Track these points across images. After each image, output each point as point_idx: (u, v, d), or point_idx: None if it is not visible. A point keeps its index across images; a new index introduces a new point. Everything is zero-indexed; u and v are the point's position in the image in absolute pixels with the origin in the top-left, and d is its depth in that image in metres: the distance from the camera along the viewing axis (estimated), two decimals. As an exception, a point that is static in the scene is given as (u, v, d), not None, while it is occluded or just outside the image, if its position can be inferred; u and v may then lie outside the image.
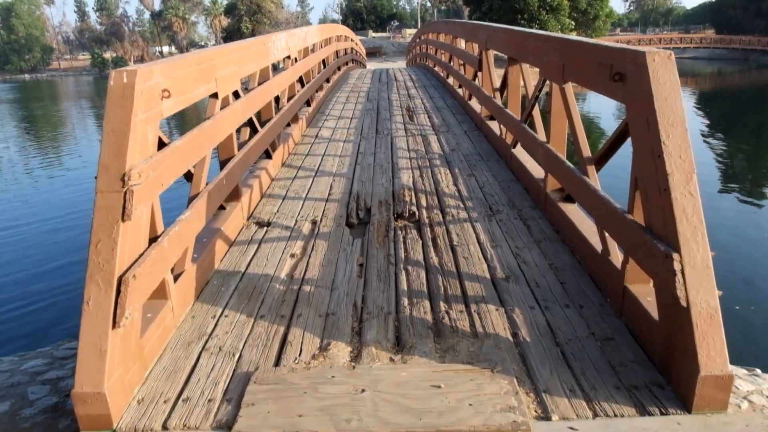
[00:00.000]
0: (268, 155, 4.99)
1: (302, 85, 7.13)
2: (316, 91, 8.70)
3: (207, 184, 3.30)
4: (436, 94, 9.83)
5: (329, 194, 4.57)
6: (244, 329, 2.68)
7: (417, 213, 4.07)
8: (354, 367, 2.33)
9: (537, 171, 4.35)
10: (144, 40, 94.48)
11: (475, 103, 7.48)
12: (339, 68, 12.63)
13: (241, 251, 3.53)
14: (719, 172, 12.74)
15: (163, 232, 2.59)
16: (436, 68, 12.28)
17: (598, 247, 2.97)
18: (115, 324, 2.09)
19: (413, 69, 15.63)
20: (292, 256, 3.46)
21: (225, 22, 66.23)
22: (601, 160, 3.11)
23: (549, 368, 2.30)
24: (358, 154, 5.75)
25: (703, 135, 16.72)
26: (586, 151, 3.21)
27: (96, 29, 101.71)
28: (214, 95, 3.48)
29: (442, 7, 74.59)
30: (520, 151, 4.95)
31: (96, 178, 2.26)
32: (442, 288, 3.00)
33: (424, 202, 4.30)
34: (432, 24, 14.67)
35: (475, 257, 3.34)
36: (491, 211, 4.05)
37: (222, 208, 3.75)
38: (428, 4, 79.01)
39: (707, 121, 20.35)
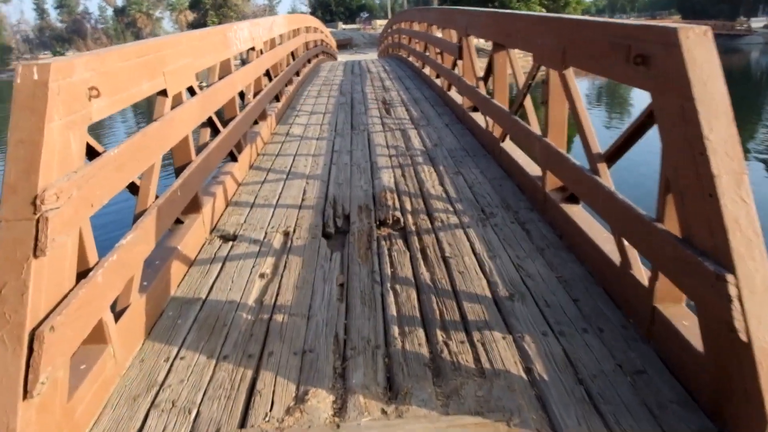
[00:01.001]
0: (233, 158, 4.50)
1: (270, 79, 6.62)
2: (286, 85, 8.19)
3: (157, 197, 2.81)
4: (412, 85, 9.39)
5: (303, 199, 4.10)
6: (203, 375, 2.21)
7: (402, 219, 3.63)
8: (338, 426, 1.89)
9: (532, 167, 3.95)
10: (108, 38, 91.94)
11: (455, 94, 7.06)
12: (309, 60, 12.09)
13: (202, 272, 3.06)
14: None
15: (97, 263, 2.11)
16: (411, 58, 11.83)
17: (615, 257, 2.58)
18: (26, 393, 1.61)
19: (386, 60, 15.15)
20: (262, 276, 3.00)
21: (191, 16, 64.69)
22: (613, 156, 2.70)
23: (575, 415, 1.90)
24: (333, 153, 5.28)
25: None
26: (596, 146, 2.81)
27: (57, 27, 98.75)
28: (163, 92, 2.99)
29: (412, -2, 73.97)
30: (509, 145, 4.55)
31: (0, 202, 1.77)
32: (438, 311, 2.58)
33: (408, 206, 3.86)
34: (405, 12, 14.20)
35: (471, 271, 2.92)
36: (484, 215, 3.63)
37: (179, 222, 3.26)
38: (398, -5, 78.25)
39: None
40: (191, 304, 2.74)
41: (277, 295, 2.79)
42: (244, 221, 3.74)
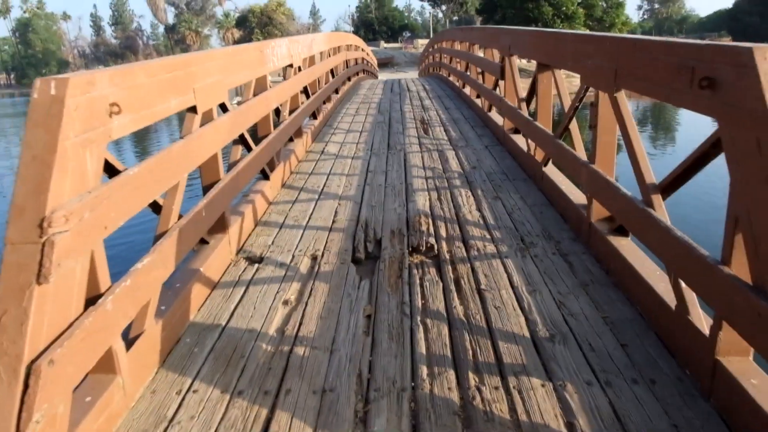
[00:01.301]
0: (265, 176, 4.40)
1: (307, 96, 6.56)
2: (324, 103, 8.14)
3: (181, 217, 2.71)
4: (451, 105, 9.22)
5: (333, 222, 3.95)
6: (215, 412, 2.06)
7: (436, 246, 3.44)
8: (356, 482, 1.71)
9: (576, 195, 3.71)
10: (158, 53, 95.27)
11: (495, 115, 6.86)
12: (349, 78, 12.09)
13: (224, 297, 2.93)
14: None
15: (108, 288, 1.99)
16: (451, 78, 11.69)
17: (670, 299, 2.33)
18: (18, 432, 1.49)
19: (426, 79, 15.06)
20: (285, 303, 2.85)
21: (237, 34, 66.41)
22: (669, 187, 2.47)
23: (626, 486, 1.66)
24: (368, 173, 5.14)
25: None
26: (650, 176, 2.57)
27: (111, 43, 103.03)
28: (193, 109, 2.90)
29: (454, 18, 74.28)
30: (552, 170, 4.32)
31: (7, 223, 1.67)
32: (470, 351, 2.37)
33: (443, 232, 3.67)
34: (446, 31, 14.11)
35: (509, 306, 2.71)
36: (524, 244, 3.41)
37: (204, 242, 3.15)
38: (440, 15, 78.75)
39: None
40: (210, 331, 2.61)
41: (300, 324, 2.64)
42: (272, 243, 3.62)
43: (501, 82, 6.24)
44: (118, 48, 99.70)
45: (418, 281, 3.02)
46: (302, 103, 6.07)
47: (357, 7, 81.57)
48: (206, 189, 3.21)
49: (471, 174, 4.97)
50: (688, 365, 2.16)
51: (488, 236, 3.57)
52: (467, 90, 9.34)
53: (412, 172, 5.09)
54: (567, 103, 3.92)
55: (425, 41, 41.79)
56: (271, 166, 4.54)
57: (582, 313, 2.62)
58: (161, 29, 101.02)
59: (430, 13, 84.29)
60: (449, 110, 8.73)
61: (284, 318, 2.71)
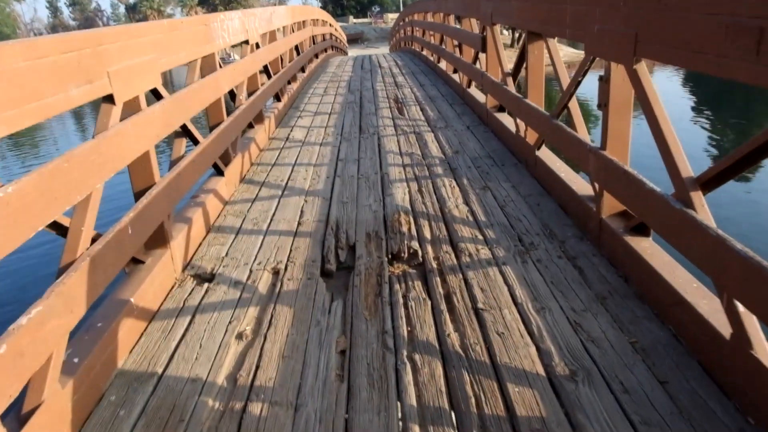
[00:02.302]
0: (219, 171, 3.81)
1: (269, 77, 5.92)
2: (289, 83, 7.49)
3: (98, 238, 2.13)
4: (426, 81, 8.64)
5: (299, 224, 3.39)
6: None
7: (420, 252, 2.91)
8: None
9: (579, 184, 3.21)
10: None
11: (476, 92, 6.31)
12: (316, 55, 11.38)
13: (163, 332, 2.37)
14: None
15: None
16: (425, 52, 11.06)
17: (720, 323, 1.85)
18: None
19: (398, 54, 14.39)
20: (240, 337, 2.30)
21: (201, 12, 64.17)
22: (712, 182, 1.97)
23: None
24: (338, 162, 4.57)
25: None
26: (686, 167, 2.07)
27: (69, 25, 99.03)
28: (109, 99, 2.29)
29: (424, -10, 72.87)
30: (546, 155, 3.81)
31: None
32: (473, 398, 1.87)
33: (427, 233, 3.14)
34: (418, 2, 13.41)
35: (514, 332, 2.20)
36: (523, 246, 2.91)
37: (138, 262, 2.57)
38: (409, -12, 77.16)
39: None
40: (142, 382, 2.05)
41: (257, 368, 2.10)
42: (226, 254, 3.05)
43: (482, 55, 5.68)
44: (77, 30, 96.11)
45: (401, 299, 2.49)
46: (262, 84, 5.44)
47: (324, -19, 79.41)
48: (138, 196, 2.61)
49: (454, 159, 4.43)
50: (751, 411, 1.68)
51: (480, 236, 3.06)
52: (443, 65, 8.75)
53: (387, 160, 4.53)
54: (563, 77, 3.39)
55: (396, 15, 40.80)
56: (226, 159, 3.94)
57: (605, 338, 2.13)
58: (122, 9, 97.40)
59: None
60: (424, 87, 8.14)
61: (237, 359, 2.17)
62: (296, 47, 8.36)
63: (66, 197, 1.85)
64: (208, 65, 3.82)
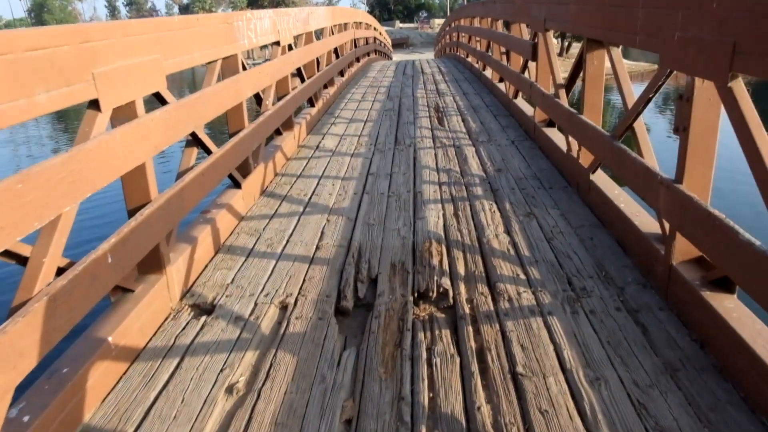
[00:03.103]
0: (236, 184, 3.48)
1: (302, 80, 5.60)
2: (325, 87, 7.17)
3: (67, 267, 1.80)
4: (470, 90, 8.19)
5: (317, 248, 3.03)
6: None
7: (451, 292, 2.50)
8: None
9: (643, 220, 2.74)
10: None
11: (523, 103, 5.85)
12: (358, 59, 11.07)
13: (144, 377, 2.03)
14: None
15: None
16: (470, 59, 10.62)
17: None
18: None
19: (443, 60, 13.97)
20: (230, 391, 1.94)
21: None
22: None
23: None
24: (368, 176, 4.19)
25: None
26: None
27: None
28: (94, 104, 1.97)
29: (473, -3, 72.18)
30: (602, 179, 3.34)
31: None
32: (507, 508, 1.44)
33: (461, 268, 2.73)
34: (465, 7, 12.97)
35: (561, 411, 1.77)
36: (573, 292, 2.46)
37: (126, 290, 2.25)
38: (458, -6, 76.54)
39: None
40: (108, 446, 1.71)
41: (244, 436, 1.73)
42: (232, 280, 2.70)
43: (531, 64, 5.22)
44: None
45: (424, 354, 2.09)
46: (294, 88, 5.12)
47: (372, -15, 79.62)
48: (133, 214, 2.29)
49: (496, 179, 3.99)
50: None
51: (522, 276, 2.62)
52: (488, 72, 8.29)
53: (422, 176, 4.13)
54: (628, 92, 2.93)
55: (442, 21, 40.40)
56: (245, 170, 3.61)
57: (677, 428, 1.68)
58: (176, 9, 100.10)
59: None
60: (467, 96, 7.70)
61: (222, 422, 1.81)
62: (335, 50, 8.04)
63: (18, 225, 1.52)
64: (229, 67, 3.50)
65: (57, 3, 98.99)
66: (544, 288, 2.49)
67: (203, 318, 2.40)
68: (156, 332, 2.30)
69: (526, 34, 5.77)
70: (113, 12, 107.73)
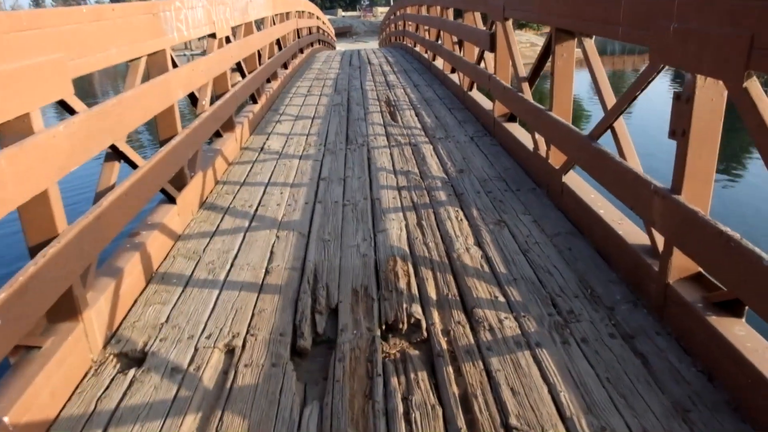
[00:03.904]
0: (170, 198, 3.05)
1: (243, 75, 5.15)
2: (268, 81, 6.71)
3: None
4: (421, 81, 7.89)
5: (267, 272, 2.65)
6: None
7: (424, 321, 2.19)
8: None
9: (628, 229, 2.50)
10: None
11: (480, 96, 5.59)
12: (301, 50, 10.58)
13: (53, 461, 1.62)
14: None
15: None
16: (418, 48, 10.32)
17: None
18: None
19: (389, 50, 13.61)
20: (164, 474, 1.57)
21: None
22: None
23: None
24: (320, 182, 3.82)
25: None
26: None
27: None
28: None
29: (414, -16, 71.84)
30: (575, 181, 3.10)
31: None
32: None
33: (432, 290, 2.42)
34: (411, -5, 12.64)
35: (569, 477, 1.49)
36: (560, 315, 2.19)
37: (29, 348, 1.82)
38: (399, -19, 76.06)
39: None
40: None
41: None
42: (167, 319, 2.30)
43: (488, 55, 4.95)
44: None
45: (400, 407, 1.77)
46: (233, 85, 4.66)
47: (313, -27, 78.02)
48: (35, 252, 1.86)
49: (459, 181, 3.70)
50: None
51: (501, 298, 2.33)
52: (439, 63, 8.02)
53: (379, 180, 3.79)
54: (606, 89, 2.68)
55: (385, 9, 39.96)
56: (180, 181, 3.18)
57: (705, 492, 1.43)
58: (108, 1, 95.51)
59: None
60: (419, 87, 7.39)
61: None
62: (278, 41, 7.57)
63: None
64: (157, 65, 3.06)
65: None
66: (527, 312, 2.22)
67: (132, 371, 2.00)
68: (72, 396, 1.88)
69: (480, 23, 5.50)
70: (37, 2, 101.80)
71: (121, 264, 2.43)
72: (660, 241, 2.15)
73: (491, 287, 2.42)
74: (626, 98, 2.34)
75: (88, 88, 24.32)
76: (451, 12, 7.00)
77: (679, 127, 1.92)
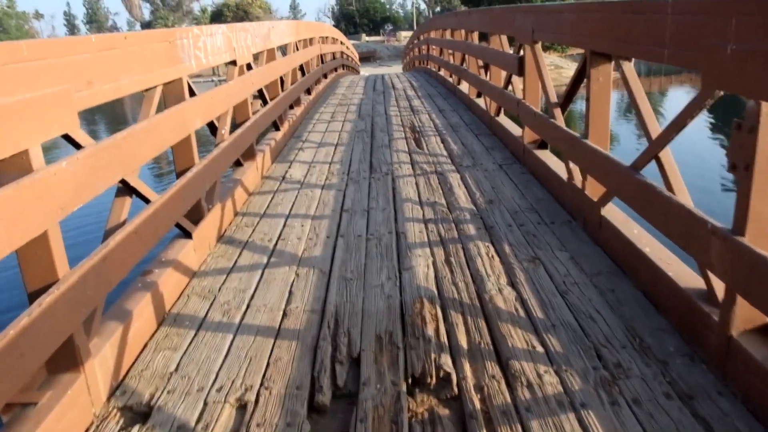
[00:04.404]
0: (185, 233, 2.91)
1: (264, 102, 5.06)
2: (291, 107, 6.64)
3: None
4: (446, 106, 7.75)
5: (284, 314, 2.48)
6: None
7: (454, 375, 1.99)
8: None
9: (679, 270, 2.27)
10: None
11: (507, 121, 5.41)
12: (325, 75, 10.56)
13: None
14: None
15: None
16: (442, 72, 10.21)
17: None
18: None
19: (413, 74, 13.56)
20: None
21: (214, 30, 63.99)
22: None
23: None
24: (342, 213, 3.66)
25: None
26: None
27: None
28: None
29: (437, 9, 72.52)
30: (615, 214, 2.88)
31: None
32: None
33: (463, 338, 2.21)
34: (436, 19, 12.61)
35: None
36: (607, 371, 1.96)
37: (24, 405, 1.67)
38: (423, 6, 76.96)
39: None
40: None
41: None
42: (176, 368, 2.13)
43: (515, 79, 4.78)
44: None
45: (430, 480, 1.56)
46: (254, 113, 4.57)
47: (337, -1, 79.56)
48: (34, 298, 1.72)
49: (488, 213, 3.50)
50: None
51: (539, 348, 2.12)
52: (464, 87, 7.87)
53: (404, 212, 3.61)
54: (649, 115, 2.47)
55: (408, 33, 40.30)
56: (197, 214, 3.05)
57: None
58: (138, 27, 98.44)
59: (412, 4, 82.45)
60: (444, 113, 7.25)
61: None
62: (301, 67, 7.52)
63: None
64: (173, 94, 2.95)
65: (13, 22, 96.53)
66: (569, 365, 2.00)
67: (136, 428, 1.83)
68: (63, 463, 1.72)
69: (506, 46, 5.35)
70: (72, 30, 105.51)
71: (131, 306, 2.28)
72: (719, 287, 1.92)
73: (528, 335, 2.20)
74: (675, 126, 2.13)
75: (119, 112, 24.83)
76: (476, 35, 6.88)
77: (741, 161, 1.71)
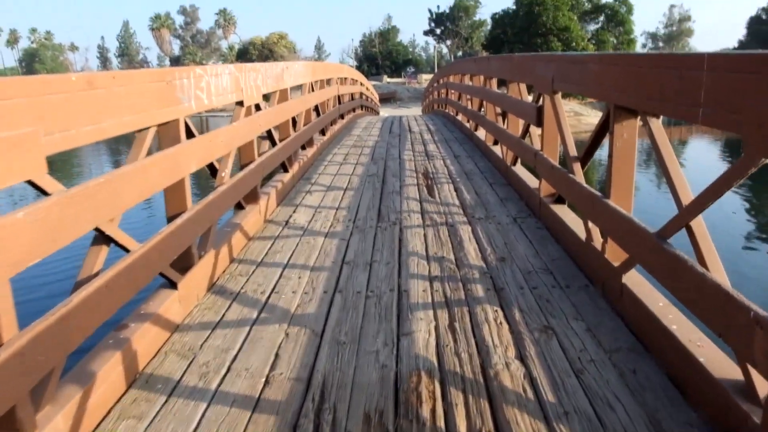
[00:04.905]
0: (171, 283, 2.71)
1: (273, 143, 4.93)
2: (303, 148, 6.52)
3: None
4: (462, 152, 7.58)
5: (266, 382, 2.23)
6: None
7: (450, 472, 1.72)
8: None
9: (713, 358, 2.00)
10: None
11: (524, 171, 5.20)
12: (342, 116, 10.52)
13: None
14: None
15: None
16: (460, 117, 10.11)
17: None
18: None
19: (431, 117, 13.51)
20: None
21: (240, 67, 65.66)
22: None
23: None
24: (343, 266, 3.44)
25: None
26: None
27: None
28: None
29: (459, 53, 73.67)
30: (638, 282, 2.62)
31: None
32: None
33: (462, 423, 1.95)
34: (456, 63, 12.61)
35: None
36: (629, 475, 1.68)
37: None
38: (444, 50, 78.27)
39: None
40: None
41: None
42: (137, 443, 1.89)
43: (533, 129, 4.60)
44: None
45: None
46: (261, 154, 4.42)
47: (360, 41, 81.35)
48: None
49: (499, 272, 3.26)
50: None
51: (550, 440, 1.84)
52: (481, 133, 7.72)
53: (409, 267, 3.38)
54: (678, 178, 2.24)
55: (429, 76, 40.76)
56: (185, 262, 2.85)
57: None
58: (167, 61, 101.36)
59: (434, 47, 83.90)
60: (459, 159, 7.07)
61: None
62: (316, 107, 7.44)
63: None
64: (168, 135, 2.80)
65: (49, 53, 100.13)
66: (584, 466, 1.72)
67: None
68: None
69: (525, 94, 5.19)
70: (105, 63, 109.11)
71: (97, 366, 2.07)
72: (762, 385, 1.65)
73: (536, 422, 1.93)
74: (711, 193, 1.90)
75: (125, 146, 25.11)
76: (494, 81, 6.75)
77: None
